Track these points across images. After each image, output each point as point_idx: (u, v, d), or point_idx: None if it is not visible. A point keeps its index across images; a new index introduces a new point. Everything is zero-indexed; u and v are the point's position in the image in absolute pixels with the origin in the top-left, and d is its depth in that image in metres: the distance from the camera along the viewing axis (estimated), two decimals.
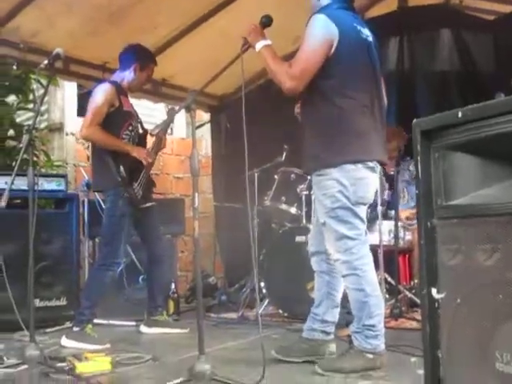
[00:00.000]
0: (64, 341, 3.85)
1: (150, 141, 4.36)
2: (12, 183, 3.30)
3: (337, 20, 2.96)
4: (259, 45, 3.05)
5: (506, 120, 1.84)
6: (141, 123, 4.33)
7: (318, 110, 3.04)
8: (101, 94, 4.05)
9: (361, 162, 2.99)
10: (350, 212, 2.99)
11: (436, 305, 1.99)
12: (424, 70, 5.64)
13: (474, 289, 1.85)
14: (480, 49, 5.26)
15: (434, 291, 1.98)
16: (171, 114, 4.47)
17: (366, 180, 3.04)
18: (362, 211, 3.06)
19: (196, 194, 2.81)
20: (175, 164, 6.98)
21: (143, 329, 4.40)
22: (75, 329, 3.94)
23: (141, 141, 4.27)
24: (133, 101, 4.42)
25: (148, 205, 4.18)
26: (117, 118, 4.09)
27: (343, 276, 3.05)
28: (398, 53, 5.75)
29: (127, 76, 4.22)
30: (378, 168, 3.15)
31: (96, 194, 4.83)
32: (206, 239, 6.05)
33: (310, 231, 3.42)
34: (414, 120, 2.18)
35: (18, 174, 3.34)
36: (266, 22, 3.15)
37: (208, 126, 6.60)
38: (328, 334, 3.26)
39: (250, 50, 3.09)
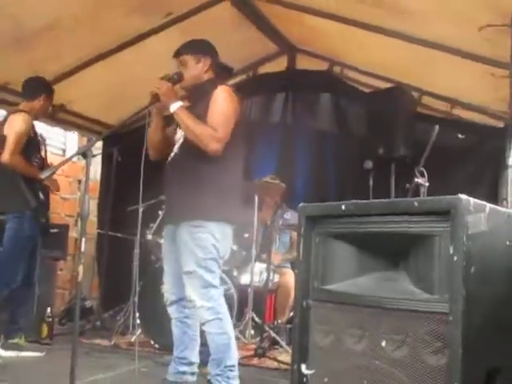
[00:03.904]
0: None
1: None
2: None
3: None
4: (174, 106, 2.98)
5: (384, 221, 1.86)
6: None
7: (204, 166, 3.00)
8: (22, 123, 4.03)
9: (230, 222, 3.08)
10: (216, 263, 3.03)
11: (304, 380, 1.96)
12: (304, 127, 5.72)
13: (342, 370, 1.84)
14: (354, 116, 5.41)
15: (303, 367, 1.96)
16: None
17: (230, 238, 3.13)
18: (221, 264, 3.12)
19: (83, 239, 2.63)
20: (64, 185, 6.56)
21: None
22: None
23: (43, 167, 4.16)
24: None
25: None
26: (30, 147, 4.09)
27: (205, 322, 2.99)
28: (283, 108, 5.83)
29: (35, 105, 4.18)
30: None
31: None
32: (86, 260, 5.75)
33: (166, 280, 3.26)
34: (301, 204, 2.18)
35: None
36: (177, 78, 3.10)
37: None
38: (194, 374, 3.19)
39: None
